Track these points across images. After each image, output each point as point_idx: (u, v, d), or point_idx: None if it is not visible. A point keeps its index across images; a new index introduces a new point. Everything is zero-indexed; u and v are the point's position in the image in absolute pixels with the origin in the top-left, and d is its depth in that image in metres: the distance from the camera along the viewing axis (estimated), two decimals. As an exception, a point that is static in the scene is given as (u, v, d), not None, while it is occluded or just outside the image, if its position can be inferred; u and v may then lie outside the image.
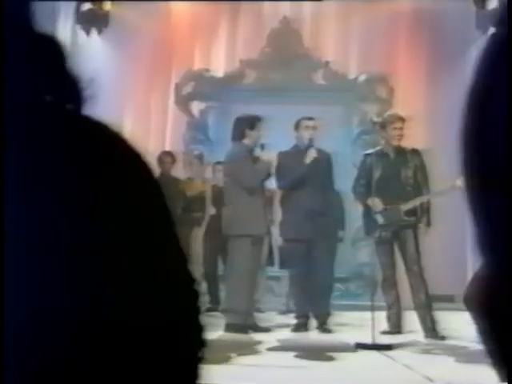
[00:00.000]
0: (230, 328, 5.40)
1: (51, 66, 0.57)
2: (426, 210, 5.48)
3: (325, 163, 5.73)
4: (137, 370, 0.53)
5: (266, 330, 5.53)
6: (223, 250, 6.04)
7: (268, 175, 5.67)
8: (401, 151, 5.57)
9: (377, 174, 5.51)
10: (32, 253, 0.50)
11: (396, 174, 5.52)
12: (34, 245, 0.50)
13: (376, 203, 5.47)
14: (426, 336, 5.18)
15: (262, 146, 5.66)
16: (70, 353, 0.50)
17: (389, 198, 5.45)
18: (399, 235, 5.45)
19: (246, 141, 5.58)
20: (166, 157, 7.03)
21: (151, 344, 0.54)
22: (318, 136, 5.78)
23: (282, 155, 5.78)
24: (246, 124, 5.58)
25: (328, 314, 5.73)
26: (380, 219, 5.49)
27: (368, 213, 5.56)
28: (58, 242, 0.51)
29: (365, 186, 5.54)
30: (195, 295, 0.61)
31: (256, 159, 5.58)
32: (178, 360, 0.56)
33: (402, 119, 5.63)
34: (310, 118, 5.80)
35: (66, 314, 0.50)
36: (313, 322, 5.69)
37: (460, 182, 5.27)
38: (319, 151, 5.72)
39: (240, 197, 5.49)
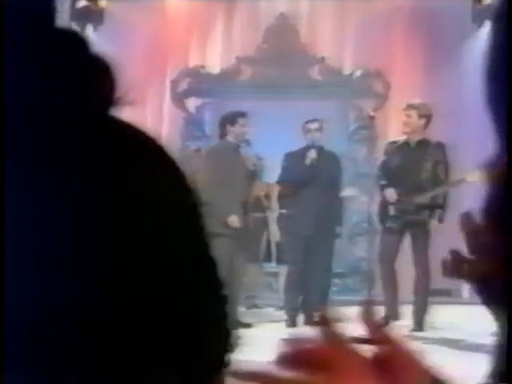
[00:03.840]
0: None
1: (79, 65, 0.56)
2: (440, 205, 5.38)
3: (332, 165, 5.81)
4: (160, 374, 0.53)
5: (247, 325, 5.50)
6: None
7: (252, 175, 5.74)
8: (424, 142, 5.49)
9: (395, 163, 5.46)
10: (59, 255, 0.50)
11: (414, 165, 5.42)
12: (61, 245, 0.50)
13: (391, 194, 5.43)
14: (413, 327, 5.20)
15: (248, 143, 5.69)
16: (84, 352, 0.50)
17: (404, 188, 5.38)
18: (412, 230, 5.39)
19: (230, 137, 5.58)
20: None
21: (175, 349, 0.54)
22: (321, 137, 5.84)
23: (288, 156, 5.89)
24: (227, 120, 5.59)
25: (317, 309, 5.75)
26: (391, 210, 5.44)
27: (383, 203, 5.51)
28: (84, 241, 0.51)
29: (386, 176, 5.48)
30: (223, 300, 0.60)
31: (237, 157, 5.58)
32: (204, 364, 0.56)
33: (417, 108, 5.51)
34: (312, 121, 5.84)
35: (78, 315, 0.50)
36: (301, 317, 5.71)
37: (468, 176, 5.24)
38: (327, 153, 5.81)
39: (215, 192, 5.45)
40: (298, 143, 6.05)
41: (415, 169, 5.41)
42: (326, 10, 8.56)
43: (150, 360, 0.52)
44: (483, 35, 8.33)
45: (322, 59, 8.60)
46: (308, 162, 5.70)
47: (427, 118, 5.47)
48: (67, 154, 0.51)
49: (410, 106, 5.52)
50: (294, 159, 5.83)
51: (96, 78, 0.56)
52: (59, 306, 0.49)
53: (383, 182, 5.50)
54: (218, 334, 0.58)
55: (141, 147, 0.57)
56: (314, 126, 5.80)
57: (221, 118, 5.79)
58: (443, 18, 8.02)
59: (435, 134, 7.11)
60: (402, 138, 5.62)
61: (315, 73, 8.69)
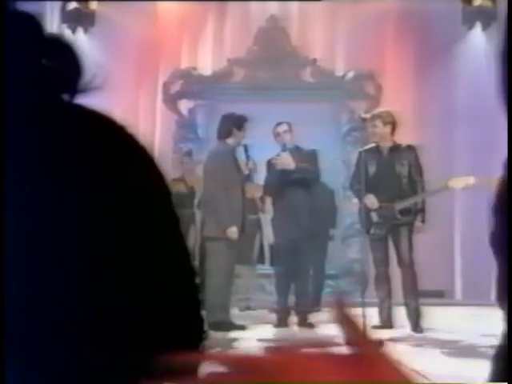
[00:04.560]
0: (212, 326, 5.40)
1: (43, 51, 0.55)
2: (420, 209, 5.50)
3: (310, 161, 5.76)
4: (135, 363, 0.52)
5: (241, 327, 5.48)
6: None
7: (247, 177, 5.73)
8: (395, 148, 5.56)
9: (371, 170, 5.53)
10: (30, 249, 0.50)
11: (390, 172, 5.50)
12: (30, 239, 0.50)
13: (371, 201, 5.47)
14: (412, 330, 5.24)
15: (246, 147, 5.70)
16: (68, 347, 0.50)
17: (384, 195, 5.44)
18: (394, 232, 5.45)
19: (231, 140, 5.56)
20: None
21: (150, 337, 0.53)
22: (292, 138, 5.82)
23: (270, 162, 5.89)
24: (235, 124, 5.55)
25: (310, 310, 5.75)
26: (374, 217, 5.49)
27: (364, 210, 5.55)
28: (55, 235, 0.50)
29: (361, 183, 5.53)
30: (196, 288, 0.60)
31: (237, 161, 5.58)
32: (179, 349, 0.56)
33: (380, 116, 5.63)
34: (280, 124, 5.84)
35: (65, 307, 0.50)
36: (294, 318, 5.70)
37: (452, 182, 5.32)
38: (302, 151, 5.77)
39: (217, 198, 5.39)
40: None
41: (392, 175, 5.49)
42: (316, 11, 8.58)
43: (131, 344, 0.52)
44: (474, 37, 8.37)
45: (314, 61, 8.61)
46: (279, 167, 5.67)
47: (392, 124, 5.59)
48: (28, 144, 0.50)
49: (374, 116, 5.69)
50: (272, 163, 5.83)
51: (55, 60, 0.54)
52: (51, 301, 0.49)
53: (361, 190, 5.55)
54: (191, 321, 0.58)
55: (111, 136, 0.56)
56: (282, 128, 5.80)
57: (225, 118, 5.65)
58: (434, 19, 8.05)
59: (425, 136, 7.14)
60: (372, 145, 5.70)
61: (307, 75, 8.71)
